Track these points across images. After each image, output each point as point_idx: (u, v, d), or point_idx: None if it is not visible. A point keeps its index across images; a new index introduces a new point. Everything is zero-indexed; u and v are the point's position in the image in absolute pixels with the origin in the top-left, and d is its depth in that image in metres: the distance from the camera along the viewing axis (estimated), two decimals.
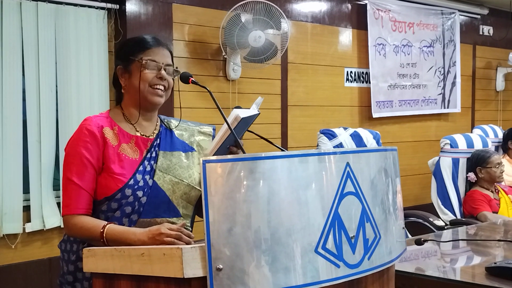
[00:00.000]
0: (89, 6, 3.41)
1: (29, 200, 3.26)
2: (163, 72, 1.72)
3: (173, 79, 1.76)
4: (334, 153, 1.33)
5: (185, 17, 3.81)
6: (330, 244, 1.28)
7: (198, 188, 1.77)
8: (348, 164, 1.33)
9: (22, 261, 3.27)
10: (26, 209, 3.26)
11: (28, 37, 3.21)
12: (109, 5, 3.48)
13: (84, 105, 3.39)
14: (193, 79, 1.72)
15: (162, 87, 1.73)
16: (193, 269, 1.22)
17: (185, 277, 1.22)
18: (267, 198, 1.23)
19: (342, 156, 1.34)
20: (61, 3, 3.31)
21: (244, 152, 1.64)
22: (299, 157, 1.28)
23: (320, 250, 1.26)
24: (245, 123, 1.65)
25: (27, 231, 3.25)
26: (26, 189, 3.26)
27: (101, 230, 1.58)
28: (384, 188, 1.45)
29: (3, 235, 3.18)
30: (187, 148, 1.82)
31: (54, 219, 3.31)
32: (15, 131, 3.19)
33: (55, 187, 3.36)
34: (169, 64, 1.75)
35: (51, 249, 3.34)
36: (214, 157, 1.26)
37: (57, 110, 3.33)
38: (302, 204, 1.26)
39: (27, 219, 3.26)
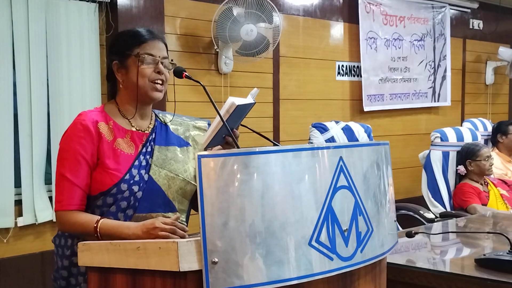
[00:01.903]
0: (80, 0, 3.39)
1: (20, 194, 3.24)
2: (160, 66, 1.71)
3: (168, 72, 1.76)
4: (328, 147, 1.35)
5: (176, 11, 3.80)
6: (323, 237, 1.30)
7: (194, 183, 1.77)
8: (341, 158, 1.35)
9: (14, 255, 3.26)
10: (18, 203, 3.24)
11: (18, 31, 3.18)
12: None
13: (76, 99, 3.37)
14: (186, 73, 1.71)
15: (161, 81, 1.72)
16: (189, 262, 1.23)
17: (181, 270, 1.23)
18: (261, 192, 1.25)
19: (335, 151, 1.35)
20: None
21: (237, 143, 1.63)
22: (293, 152, 1.30)
23: (313, 243, 1.28)
24: (241, 112, 1.64)
25: (19, 225, 3.24)
26: (17, 183, 3.24)
27: (95, 225, 1.58)
28: (376, 182, 1.47)
29: None
30: (182, 143, 1.82)
31: (46, 213, 3.30)
32: (6, 125, 3.17)
33: (47, 181, 3.35)
34: (165, 57, 1.74)
35: (43, 243, 3.34)
36: (209, 152, 1.27)
37: (48, 104, 3.31)
38: (296, 198, 1.28)
39: (19, 213, 3.25)
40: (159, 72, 1.70)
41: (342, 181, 1.35)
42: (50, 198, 3.33)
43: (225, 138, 1.65)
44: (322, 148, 1.34)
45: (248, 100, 1.65)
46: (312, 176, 1.31)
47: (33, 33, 3.22)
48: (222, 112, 1.57)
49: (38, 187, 3.28)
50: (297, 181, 1.29)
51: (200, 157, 1.23)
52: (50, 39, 3.30)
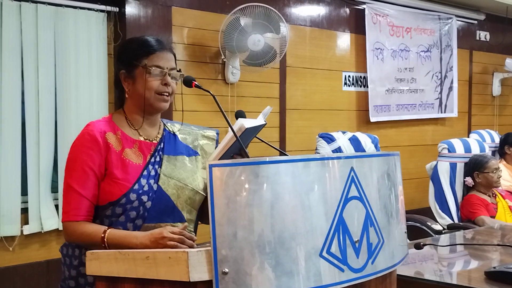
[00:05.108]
0: (89, 9, 3.42)
1: (27, 202, 3.25)
2: (167, 78, 1.70)
3: (176, 82, 1.75)
4: (339, 157, 1.34)
5: (184, 20, 3.82)
6: (334, 248, 1.28)
7: (202, 193, 1.76)
8: (352, 169, 1.34)
9: (20, 263, 3.26)
10: (24, 211, 3.25)
11: (27, 39, 3.20)
12: (108, 8, 3.48)
13: (83, 108, 3.39)
14: (196, 83, 1.71)
15: (167, 93, 1.71)
16: (199, 272, 1.22)
17: (191, 280, 1.22)
18: (270, 202, 1.24)
19: (346, 161, 1.34)
20: (60, 5, 3.31)
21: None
22: (303, 162, 1.29)
23: (324, 254, 1.27)
24: (251, 133, 1.64)
25: (25, 233, 3.24)
26: (24, 191, 3.25)
27: (102, 235, 1.57)
28: (387, 193, 1.46)
29: (1, 237, 3.17)
30: (191, 152, 1.81)
31: (52, 222, 3.30)
32: (13, 133, 3.18)
33: (53, 190, 3.36)
34: (173, 67, 1.73)
35: (49, 252, 3.33)
36: (220, 161, 1.27)
37: (55, 112, 3.33)
38: (306, 209, 1.27)
39: (25, 221, 3.25)
40: (166, 84, 1.69)
41: (353, 192, 1.34)
42: (57, 206, 3.33)
43: (233, 157, 1.64)
44: (333, 158, 1.33)
45: (259, 121, 1.65)
46: (322, 186, 1.30)
47: (41, 41, 3.24)
48: (231, 134, 1.56)
49: (45, 195, 3.28)
50: (308, 191, 1.27)
51: (211, 166, 1.22)
52: (58, 48, 3.32)
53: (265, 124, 1.67)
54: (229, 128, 1.55)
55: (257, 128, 1.66)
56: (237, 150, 1.61)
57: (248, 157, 1.61)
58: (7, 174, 3.16)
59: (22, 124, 3.23)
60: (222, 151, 1.58)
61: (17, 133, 3.20)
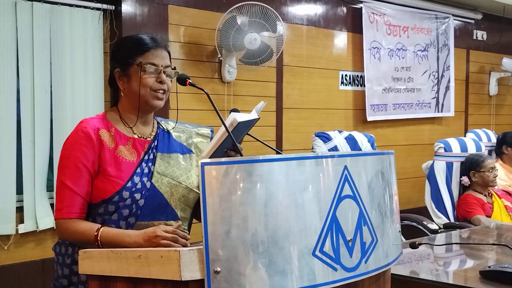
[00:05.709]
0: (85, 7, 3.40)
1: (22, 201, 3.24)
2: (162, 75, 1.70)
3: (171, 80, 1.75)
4: (332, 156, 1.34)
5: (180, 19, 3.81)
6: (327, 247, 1.28)
7: (196, 190, 1.75)
8: (346, 168, 1.34)
9: (15, 262, 3.25)
10: (19, 210, 3.24)
11: (23, 37, 3.19)
12: (104, 6, 3.47)
13: (79, 106, 3.38)
14: (190, 81, 1.71)
15: (162, 91, 1.71)
16: (191, 271, 1.22)
17: (183, 279, 1.21)
18: (264, 200, 1.23)
19: (340, 160, 1.34)
20: (56, 3, 3.30)
21: (242, 155, 1.62)
22: (297, 160, 1.28)
23: (317, 253, 1.26)
24: (244, 127, 1.63)
25: (20, 232, 3.23)
26: (19, 190, 3.24)
27: (95, 233, 1.57)
28: (381, 192, 1.45)
29: None
30: (185, 150, 1.81)
31: (47, 220, 3.29)
32: (9, 132, 3.17)
33: (49, 188, 3.35)
34: (167, 65, 1.72)
35: (44, 250, 3.32)
36: (213, 160, 1.26)
37: (51, 111, 3.32)
38: (300, 207, 1.26)
39: (20, 220, 3.24)
40: (161, 82, 1.69)
41: (347, 191, 1.33)
42: (52, 205, 3.32)
43: (226, 152, 1.64)
44: (326, 157, 1.33)
45: (252, 116, 1.64)
46: (316, 185, 1.29)
47: (37, 40, 3.23)
48: (223, 129, 1.55)
49: (40, 194, 3.27)
50: (301, 190, 1.27)
51: (203, 164, 1.21)
52: (54, 46, 3.30)
53: (259, 118, 1.66)
54: (222, 124, 1.54)
55: (251, 123, 1.65)
56: (230, 145, 1.60)
57: (240, 151, 1.61)
58: (2, 173, 3.15)
59: (18, 123, 3.22)
60: (215, 146, 1.57)
61: (13, 132, 3.19)
